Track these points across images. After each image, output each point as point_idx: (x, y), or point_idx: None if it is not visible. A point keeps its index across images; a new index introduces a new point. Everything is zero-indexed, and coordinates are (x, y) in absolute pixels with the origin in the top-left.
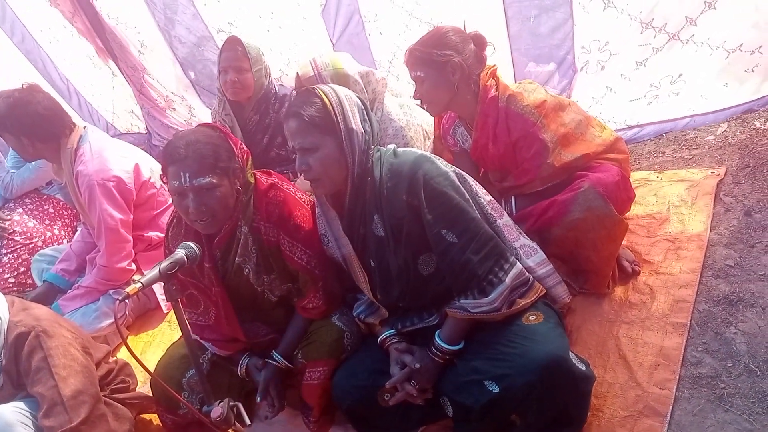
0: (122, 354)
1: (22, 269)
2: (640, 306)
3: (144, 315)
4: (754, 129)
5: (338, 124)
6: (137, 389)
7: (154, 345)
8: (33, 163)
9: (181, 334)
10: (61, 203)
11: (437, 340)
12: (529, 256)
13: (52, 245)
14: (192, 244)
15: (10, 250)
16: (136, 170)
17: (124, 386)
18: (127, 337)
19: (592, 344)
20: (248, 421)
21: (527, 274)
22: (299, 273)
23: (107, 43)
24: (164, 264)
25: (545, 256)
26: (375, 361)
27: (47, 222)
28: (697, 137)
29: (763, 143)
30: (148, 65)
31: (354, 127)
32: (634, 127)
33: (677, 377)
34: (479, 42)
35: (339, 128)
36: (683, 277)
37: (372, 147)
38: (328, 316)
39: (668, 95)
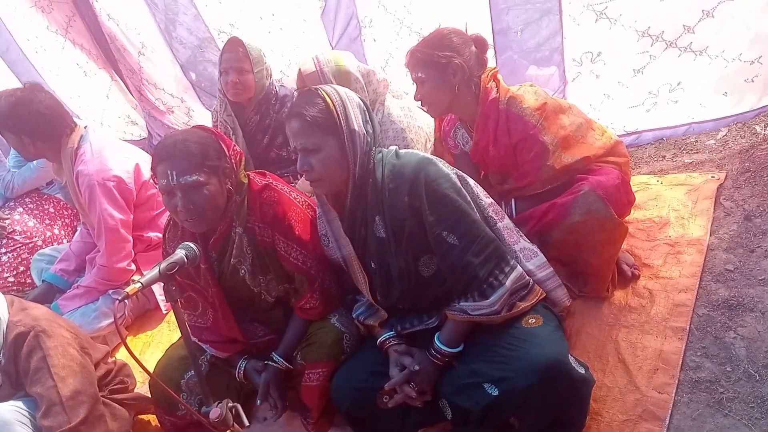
0: (121, 354)
1: (21, 268)
2: (640, 310)
3: (143, 315)
4: (754, 134)
5: (340, 125)
6: (136, 390)
7: (153, 345)
8: (34, 162)
9: (180, 334)
10: (61, 203)
11: (437, 342)
12: (529, 259)
13: (52, 245)
14: (192, 245)
15: (9, 250)
16: (137, 170)
17: (122, 387)
18: (126, 338)
19: (591, 348)
20: (247, 423)
21: (527, 277)
22: (295, 273)
23: (106, 47)
24: (164, 264)
25: (545, 259)
26: (374, 363)
27: (47, 221)
28: (697, 142)
29: (763, 148)
30: (148, 68)
31: (356, 128)
32: (632, 133)
33: (676, 381)
34: (480, 44)
35: (341, 129)
36: (683, 281)
37: (374, 148)
38: (326, 317)
39: (667, 103)
